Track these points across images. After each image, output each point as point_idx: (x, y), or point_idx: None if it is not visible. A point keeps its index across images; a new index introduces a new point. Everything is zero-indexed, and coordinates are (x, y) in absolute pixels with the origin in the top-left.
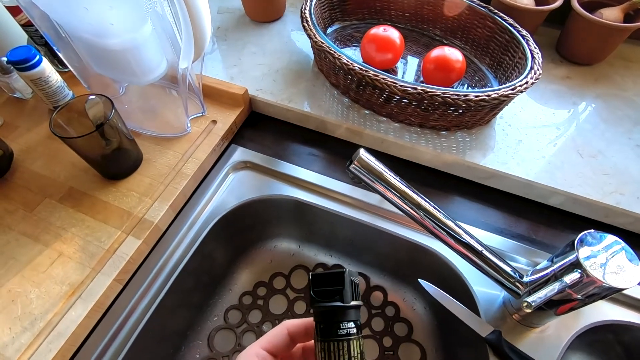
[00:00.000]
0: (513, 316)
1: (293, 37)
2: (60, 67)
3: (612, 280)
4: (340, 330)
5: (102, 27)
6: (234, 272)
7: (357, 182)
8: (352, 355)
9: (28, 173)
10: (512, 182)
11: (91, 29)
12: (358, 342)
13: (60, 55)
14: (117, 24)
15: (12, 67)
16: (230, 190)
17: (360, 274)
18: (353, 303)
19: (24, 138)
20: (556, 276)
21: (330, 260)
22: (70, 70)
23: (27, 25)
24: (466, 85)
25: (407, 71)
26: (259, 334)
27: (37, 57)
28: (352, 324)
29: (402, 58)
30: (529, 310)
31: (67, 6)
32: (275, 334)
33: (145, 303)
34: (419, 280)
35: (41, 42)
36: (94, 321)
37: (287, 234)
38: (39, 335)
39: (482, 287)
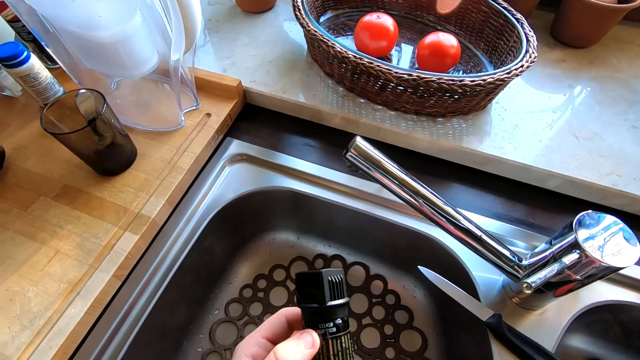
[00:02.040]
0: (513, 299)
1: (285, 27)
2: (50, 63)
3: (610, 259)
4: (319, 330)
5: (91, 19)
6: (234, 265)
7: (354, 170)
8: (333, 353)
9: (21, 171)
10: (509, 166)
11: (79, 21)
12: (338, 341)
13: (49, 50)
14: (105, 16)
15: (0, 64)
16: (227, 183)
17: (359, 263)
18: (331, 303)
19: (15, 136)
20: (555, 258)
21: (329, 250)
22: (60, 67)
23: (13, 21)
24: (461, 71)
25: (402, 58)
26: None
27: (25, 53)
28: (330, 324)
29: (396, 46)
30: (529, 291)
31: None
32: (274, 322)
33: (145, 298)
34: (419, 267)
35: (29, 38)
36: (94, 318)
37: (285, 226)
38: (38, 333)
39: (481, 272)
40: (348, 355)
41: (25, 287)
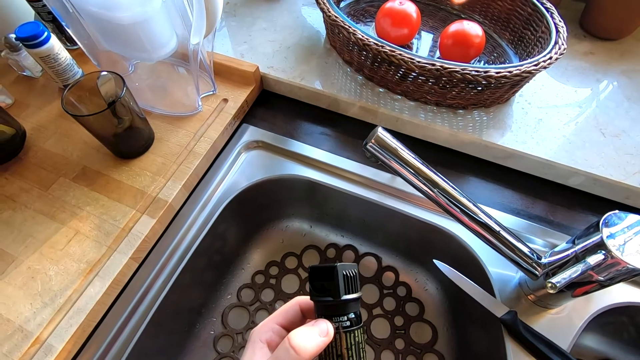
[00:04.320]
0: (529, 297)
1: (304, 13)
2: (69, 44)
3: (636, 261)
4: (333, 324)
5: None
6: (247, 251)
7: (373, 161)
8: (346, 346)
9: (41, 152)
10: (530, 162)
11: (99, 2)
12: (351, 335)
13: (69, 31)
14: None
15: (20, 44)
16: (242, 169)
17: (371, 254)
18: (345, 297)
19: (35, 117)
20: (577, 257)
21: (341, 240)
22: (79, 48)
23: (34, 1)
24: (483, 61)
25: (421, 47)
26: (272, 312)
27: (46, 33)
28: (344, 318)
29: (416, 34)
30: (553, 292)
31: None
32: (288, 309)
33: (161, 281)
34: (434, 260)
35: (49, 18)
36: (112, 298)
37: (298, 214)
38: (59, 311)
39: (497, 267)
40: (360, 350)
41: (46, 265)
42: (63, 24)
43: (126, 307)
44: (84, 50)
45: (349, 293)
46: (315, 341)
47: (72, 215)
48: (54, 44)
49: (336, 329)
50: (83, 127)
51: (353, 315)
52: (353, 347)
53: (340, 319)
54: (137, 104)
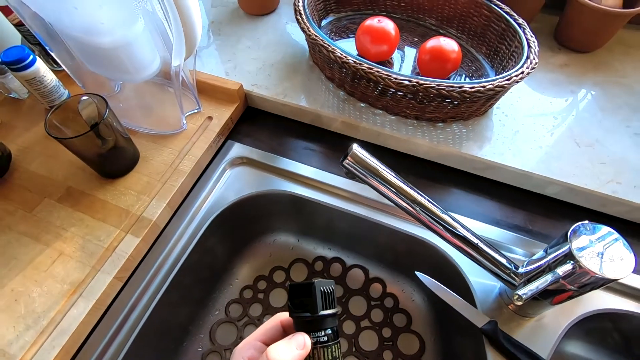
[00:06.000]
0: (509, 306)
1: (288, 30)
2: (55, 66)
3: (605, 270)
4: (311, 339)
5: (93, 25)
6: (234, 266)
7: (351, 177)
8: None
9: (27, 173)
10: (508, 173)
11: (82, 27)
12: (328, 350)
13: (53, 54)
14: (107, 22)
15: (6, 68)
16: (228, 186)
17: (358, 266)
18: (323, 313)
19: (21, 138)
20: (550, 267)
21: (329, 253)
22: (65, 70)
23: (20, 25)
24: (463, 75)
25: (405, 62)
26: None
27: (31, 57)
28: (321, 333)
29: (399, 49)
30: (519, 303)
31: (57, 5)
32: (270, 326)
33: (146, 299)
34: (416, 272)
35: (35, 41)
36: (96, 318)
37: (285, 228)
38: (42, 333)
39: (479, 277)
40: None
41: (29, 287)
42: (47, 47)
43: (111, 326)
44: (69, 72)
45: (326, 309)
46: (292, 354)
47: (56, 237)
48: (40, 67)
49: (314, 344)
50: (67, 149)
51: (330, 331)
52: None
53: (318, 334)
54: (120, 124)
